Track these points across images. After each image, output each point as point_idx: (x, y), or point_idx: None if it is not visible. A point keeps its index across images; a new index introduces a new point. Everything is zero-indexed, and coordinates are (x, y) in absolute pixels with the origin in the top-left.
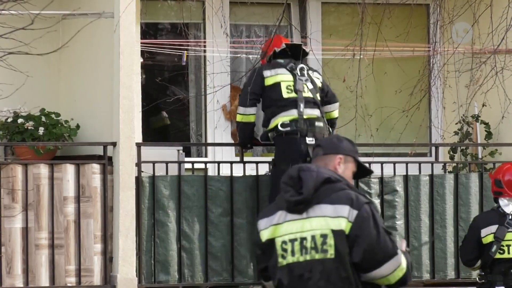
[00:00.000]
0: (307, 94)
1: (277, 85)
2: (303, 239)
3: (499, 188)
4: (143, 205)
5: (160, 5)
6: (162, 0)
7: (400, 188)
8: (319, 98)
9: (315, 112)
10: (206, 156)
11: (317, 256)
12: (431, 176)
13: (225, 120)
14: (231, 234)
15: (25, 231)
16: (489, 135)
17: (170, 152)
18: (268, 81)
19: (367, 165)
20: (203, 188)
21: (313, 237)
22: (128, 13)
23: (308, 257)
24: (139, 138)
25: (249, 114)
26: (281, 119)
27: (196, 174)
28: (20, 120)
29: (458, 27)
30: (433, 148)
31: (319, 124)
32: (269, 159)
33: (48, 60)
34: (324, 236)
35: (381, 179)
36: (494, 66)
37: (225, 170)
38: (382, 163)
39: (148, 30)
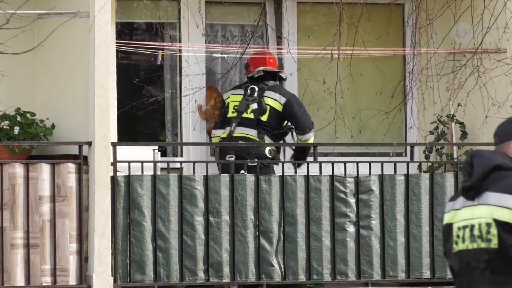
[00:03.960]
0: (249, 115)
1: (228, 105)
2: (472, 226)
3: None
4: (119, 205)
5: (136, 5)
6: (138, 0)
7: (375, 187)
8: (264, 119)
9: (249, 132)
10: (181, 156)
11: (482, 245)
12: (407, 176)
13: (200, 120)
14: (207, 234)
15: (0, 230)
16: (464, 134)
17: (146, 152)
18: (226, 102)
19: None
20: (178, 188)
21: (479, 225)
22: (103, 13)
23: (475, 245)
24: (114, 137)
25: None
26: (218, 135)
27: (172, 173)
28: None
29: (458, 27)
30: (408, 148)
31: (250, 142)
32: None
33: (24, 59)
34: (488, 225)
35: (357, 179)
36: (476, 68)
37: (200, 170)
38: (357, 162)
39: (124, 30)
